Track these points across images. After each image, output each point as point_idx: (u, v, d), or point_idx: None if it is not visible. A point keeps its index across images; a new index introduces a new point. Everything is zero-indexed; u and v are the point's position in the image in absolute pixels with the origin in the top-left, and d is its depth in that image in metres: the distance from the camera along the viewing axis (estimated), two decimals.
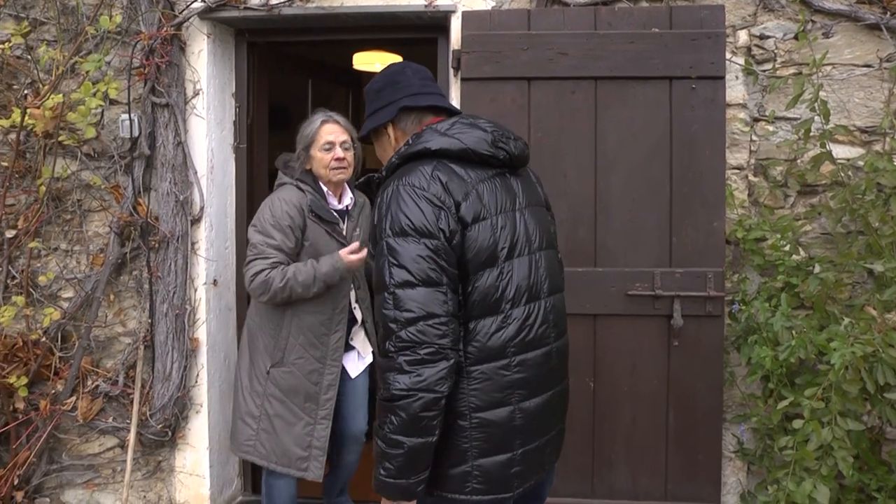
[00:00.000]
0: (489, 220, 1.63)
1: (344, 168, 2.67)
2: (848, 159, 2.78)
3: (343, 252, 2.55)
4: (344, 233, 2.72)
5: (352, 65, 4.80)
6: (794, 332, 2.52)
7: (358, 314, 2.82)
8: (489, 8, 2.87)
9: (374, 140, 1.84)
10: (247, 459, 2.83)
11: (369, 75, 5.03)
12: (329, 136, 2.65)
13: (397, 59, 4.91)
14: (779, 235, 2.71)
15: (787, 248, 2.72)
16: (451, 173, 1.62)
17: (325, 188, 2.70)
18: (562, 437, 1.85)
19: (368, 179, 1.76)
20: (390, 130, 1.79)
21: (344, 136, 2.68)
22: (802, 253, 2.80)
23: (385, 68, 1.85)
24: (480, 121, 1.72)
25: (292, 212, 2.58)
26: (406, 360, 1.50)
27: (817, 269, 2.67)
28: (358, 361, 2.84)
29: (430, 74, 1.85)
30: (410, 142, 1.68)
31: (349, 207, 2.77)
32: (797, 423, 2.37)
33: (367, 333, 2.87)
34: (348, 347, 2.77)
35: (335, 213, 2.69)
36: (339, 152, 2.65)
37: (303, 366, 2.62)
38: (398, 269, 1.53)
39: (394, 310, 1.52)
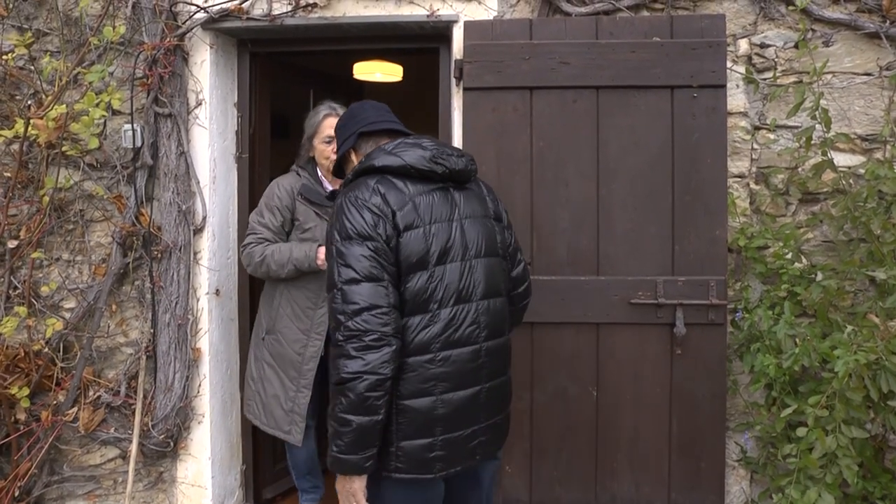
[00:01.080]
0: (422, 229, 1.86)
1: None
2: (849, 167, 2.79)
3: (321, 248, 2.70)
4: None
5: (353, 74, 4.82)
6: (797, 339, 2.52)
7: None
8: (491, 18, 2.88)
9: (346, 167, 2.11)
10: (248, 418, 3.00)
11: (371, 85, 5.08)
12: (330, 130, 2.82)
13: (398, 68, 4.94)
14: (781, 243, 2.71)
15: (789, 255, 2.72)
16: (391, 186, 1.86)
17: (321, 175, 2.93)
18: (499, 429, 2.02)
19: (333, 194, 2.09)
20: (352, 156, 2.06)
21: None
22: (804, 261, 2.80)
23: (349, 107, 2.16)
24: (424, 140, 1.95)
25: (281, 193, 2.84)
26: (353, 347, 1.71)
27: (819, 276, 2.67)
28: None
29: (387, 108, 2.12)
30: (363, 160, 1.95)
31: None
32: (801, 431, 2.36)
33: None
34: None
35: (325, 196, 2.76)
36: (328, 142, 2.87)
37: (288, 335, 2.82)
38: (345, 269, 1.77)
39: (342, 303, 1.74)
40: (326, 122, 2.88)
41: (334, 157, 2.60)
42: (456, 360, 1.87)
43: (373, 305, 1.74)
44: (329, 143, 2.85)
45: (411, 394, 1.83)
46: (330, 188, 2.90)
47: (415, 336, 1.83)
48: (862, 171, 2.74)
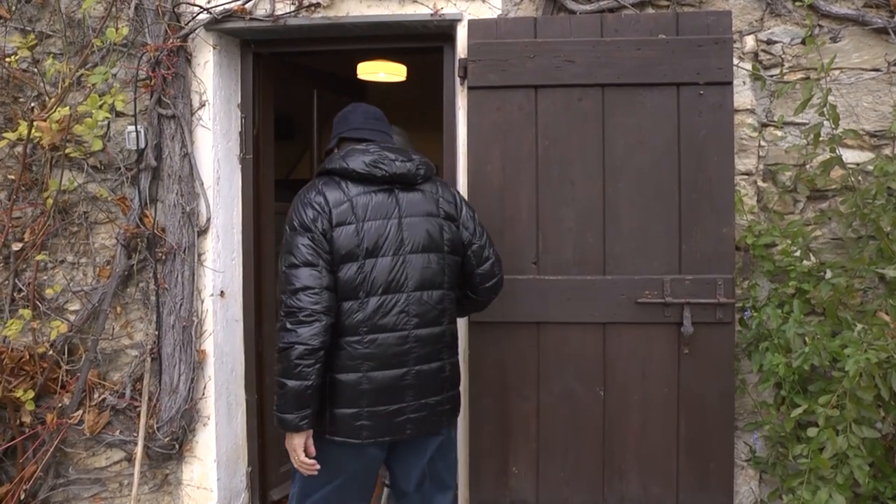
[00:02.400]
0: (354, 225, 2.12)
1: None
2: (857, 164, 2.77)
3: None
4: None
5: (356, 74, 4.81)
6: (806, 338, 2.50)
7: None
8: (495, 16, 2.86)
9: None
10: None
11: (374, 85, 5.07)
12: None
13: (402, 68, 4.93)
14: (789, 241, 2.69)
15: (797, 253, 2.70)
16: (334, 187, 2.15)
17: None
18: (435, 410, 2.23)
19: None
20: (334, 154, 2.30)
21: None
22: (813, 258, 2.78)
23: (345, 108, 2.41)
24: (372, 147, 2.22)
25: None
26: (290, 322, 2.02)
27: (829, 274, 2.65)
28: None
29: (378, 115, 2.38)
30: (324, 164, 2.25)
31: None
32: (811, 431, 2.35)
33: None
34: None
35: None
36: None
37: None
38: (289, 255, 2.08)
39: (284, 284, 2.07)
40: None
41: None
42: (382, 343, 2.13)
43: (306, 287, 2.03)
44: None
45: (341, 369, 2.13)
46: None
47: (346, 319, 2.12)
48: (871, 167, 2.71)
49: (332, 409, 2.14)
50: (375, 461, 2.25)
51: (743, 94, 2.80)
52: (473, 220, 2.33)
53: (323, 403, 2.13)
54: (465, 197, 2.80)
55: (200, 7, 2.94)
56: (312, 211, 2.11)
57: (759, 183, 2.84)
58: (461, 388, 2.84)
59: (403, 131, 2.99)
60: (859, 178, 2.74)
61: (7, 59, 2.97)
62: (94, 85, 2.84)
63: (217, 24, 2.96)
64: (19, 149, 3.00)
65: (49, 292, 3.04)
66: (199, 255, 3.03)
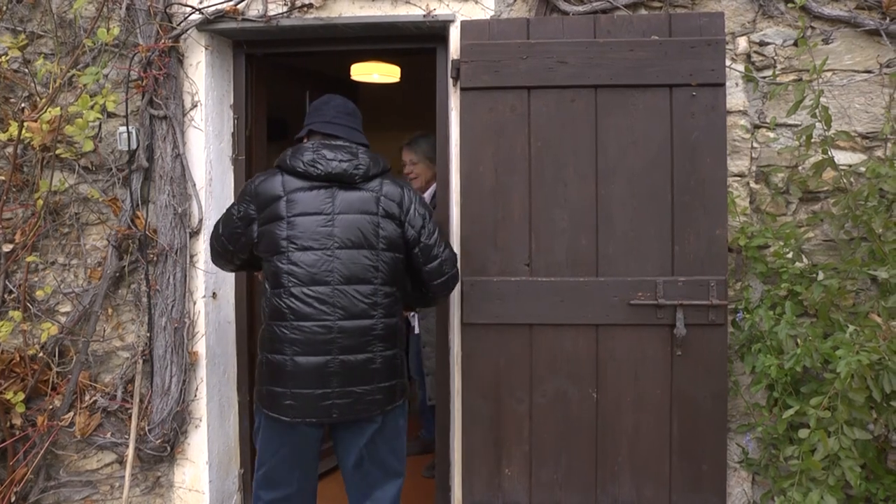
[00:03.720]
0: (284, 220, 2.31)
1: (413, 177, 3.83)
2: (850, 165, 2.77)
3: None
4: None
5: (350, 75, 4.80)
6: (798, 340, 2.50)
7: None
8: (488, 17, 2.86)
9: None
10: None
11: (367, 86, 5.06)
12: (404, 158, 3.89)
13: (395, 69, 4.92)
14: (781, 243, 2.69)
15: (789, 255, 2.70)
16: (272, 180, 2.37)
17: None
18: (364, 399, 2.35)
19: None
20: (304, 143, 2.48)
21: (406, 157, 3.87)
22: (805, 260, 2.78)
23: (323, 97, 2.56)
24: (315, 144, 2.39)
25: None
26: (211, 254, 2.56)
27: (821, 276, 2.65)
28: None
29: (350, 109, 2.53)
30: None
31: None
32: (803, 433, 2.34)
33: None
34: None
35: None
36: (407, 168, 3.86)
37: None
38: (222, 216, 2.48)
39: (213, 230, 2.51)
40: (402, 153, 3.88)
41: (412, 179, 3.79)
42: (307, 331, 2.29)
43: (213, 240, 2.51)
44: (404, 168, 3.85)
45: (270, 350, 2.34)
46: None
47: (276, 306, 2.32)
48: (863, 169, 2.72)
49: (266, 385, 2.36)
50: (310, 439, 2.40)
51: (735, 96, 2.80)
52: (423, 219, 2.43)
53: (261, 381, 2.38)
54: (458, 198, 2.80)
55: (192, 7, 2.92)
56: (244, 196, 2.41)
57: (752, 184, 2.84)
58: (455, 389, 2.85)
59: (432, 135, 3.33)
60: (851, 179, 2.74)
61: None
62: (85, 85, 2.82)
63: (209, 24, 2.95)
64: (10, 149, 2.98)
65: (40, 294, 3.02)
66: (192, 257, 3.02)
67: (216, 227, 2.49)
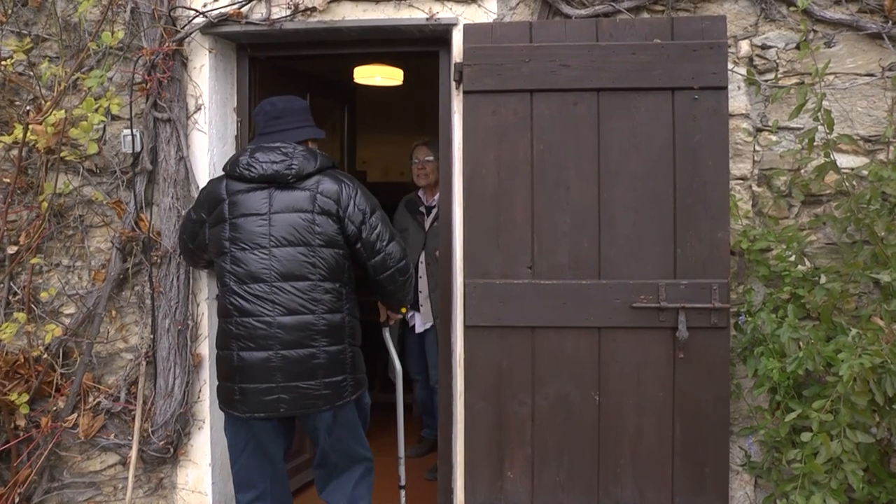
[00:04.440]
0: (227, 222, 2.45)
1: (424, 174, 3.89)
2: (852, 168, 2.77)
3: None
4: (425, 221, 3.90)
5: (353, 78, 4.81)
6: (801, 343, 2.50)
7: (423, 284, 3.85)
8: (491, 21, 2.87)
9: None
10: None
11: (367, 89, 5.08)
12: (419, 156, 3.90)
13: (398, 72, 4.94)
14: (784, 246, 2.69)
15: (792, 258, 2.71)
16: (218, 185, 2.53)
17: (422, 191, 3.95)
18: (308, 395, 2.42)
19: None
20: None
21: (423, 155, 3.88)
22: (808, 263, 2.78)
23: (261, 104, 2.67)
24: (251, 148, 2.52)
25: (399, 208, 4.05)
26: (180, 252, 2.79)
27: (823, 279, 2.65)
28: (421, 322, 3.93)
29: (278, 111, 2.60)
30: None
31: (434, 204, 3.83)
32: (805, 436, 2.34)
33: (431, 305, 3.83)
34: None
35: (420, 208, 3.93)
36: (420, 165, 3.89)
37: None
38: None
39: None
40: (417, 150, 3.91)
41: (423, 176, 3.88)
42: (249, 326, 2.40)
43: (178, 238, 2.74)
44: (415, 163, 3.89)
45: (220, 346, 2.49)
46: (427, 203, 3.91)
47: (221, 303, 2.48)
48: (865, 172, 2.72)
49: (219, 381, 2.50)
50: (266, 434, 2.50)
51: (738, 99, 2.81)
52: (363, 214, 2.48)
53: (217, 377, 2.53)
54: (461, 200, 2.81)
55: (196, 11, 2.94)
56: (197, 202, 2.61)
57: (754, 187, 2.85)
58: (458, 391, 2.86)
59: (433, 139, 3.51)
60: (854, 182, 2.74)
61: (3, 63, 2.97)
62: (89, 88, 2.83)
63: (213, 28, 2.96)
64: (15, 152, 3.00)
65: (44, 296, 3.04)
66: None
67: (181, 225, 2.70)
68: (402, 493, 3.13)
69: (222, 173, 2.57)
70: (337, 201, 2.46)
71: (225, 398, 2.48)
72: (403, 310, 2.92)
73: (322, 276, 2.44)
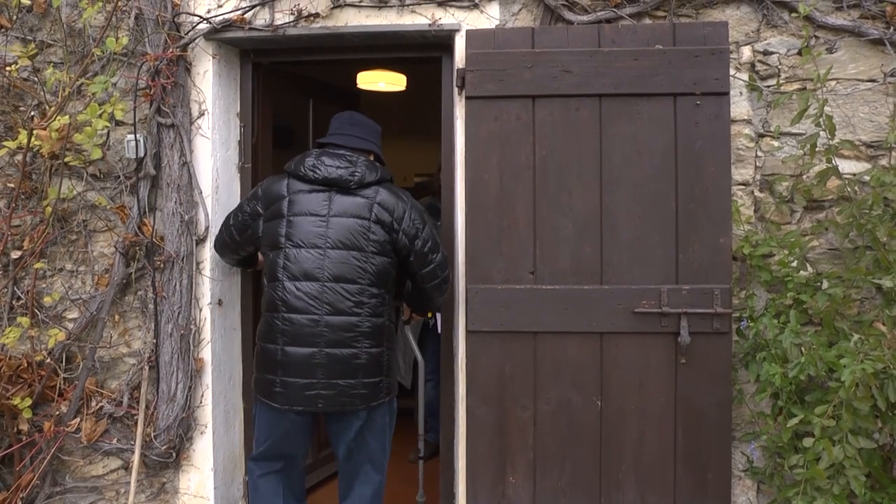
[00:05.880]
0: (284, 219, 2.55)
1: None
2: (854, 174, 2.77)
3: None
4: None
5: (356, 83, 4.83)
6: (803, 348, 2.50)
7: None
8: (493, 27, 2.88)
9: None
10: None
11: (369, 94, 5.09)
12: None
13: (401, 77, 4.95)
14: (786, 251, 2.69)
15: (794, 263, 2.71)
16: (279, 182, 2.64)
17: None
18: (347, 393, 2.52)
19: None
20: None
21: None
22: (810, 269, 2.78)
23: (345, 111, 2.84)
24: (317, 152, 2.64)
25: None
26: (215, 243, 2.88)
27: (825, 284, 2.65)
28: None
29: (355, 120, 2.77)
30: None
31: None
32: (808, 442, 2.34)
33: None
34: None
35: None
36: None
37: None
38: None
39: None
40: None
41: None
42: (296, 322, 2.49)
43: (221, 230, 2.79)
44: None
45: (264, 339, 2.56)
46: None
47: (269, 298, 2.56)
48: (867, 178, 2.72)
49: (260, 373, 2.58)
50: (298, 427, 2.61)
51: (740, 105, 2.81)
52: (417, 229, 2.61)
53: (256, 368, 2.61)
54: (463, 206, 2.82)
55: (200, 17, 2.96)
56: (253, 195, 2.69)
57: (756, 193, 2.85)
58: (460, 396, 2.86)
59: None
60: (856, 188, 2.75)
61: (8, 68, 2.98)
62: (93, 94, 2.84)
63: (217, 33, 2.98)
64: (19, 157, 3.01)
65: (47, 300, 3.05)
66: (198, 264, 3.04)
67: (227, 218, 2.75)
68: (421, 463, 3.38)
69: (283, 173, 2.67)
70: (392, 213, 2.58)
71: (264, 389, 2.56)
72: (430, 315, 3.09)
73: (370, 281, 2.55)
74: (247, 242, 2.71)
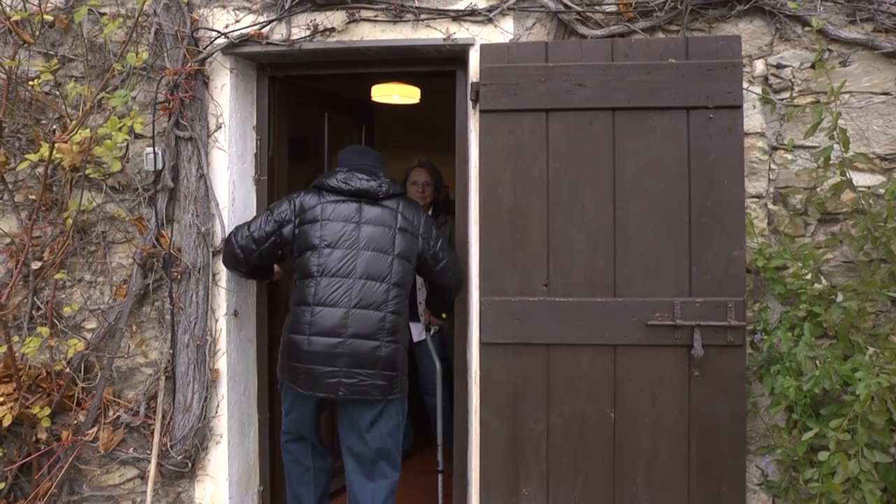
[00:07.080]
0: (318, 223, 2.81)
1: (422, 197, 3.92)
2: (868, 187, 2.77)
3: None
4: None
5: (370, 97, 4.87)
6: (817, 361, 2.49)
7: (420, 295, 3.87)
8: (507, 41, 2.90)
9: None
10: None
11: (385, 107, 5.13)
12: (416, 177, 3.93)
13: (415, 90, 4.98)
14: (800, 264, 2.69)
15: (808, 276, 2.70)
16: (314, 194, 2.89)
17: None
18: (366, 382, 2.72)
19: None
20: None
21: (421, 177, 3.93)
22: (824, 281, 2.78)
23: (347, 148, 3.15)
24: (347, 169, 2.92)
25: None
26: (224, 255, 2.97)
27: (840, 297, 2.64)
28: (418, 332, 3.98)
29: (363, 150, 3.19)
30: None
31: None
32: (823, 455, 2.33)
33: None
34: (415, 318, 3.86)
35: None
36: (419, 187, 3.92)
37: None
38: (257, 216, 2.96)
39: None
40: (415, 172, 3.97)
41: (421, 199, 3.87)
42: (326, 315, 2.71)
43: (239, 229, 2.89)
44: (415, 185, 3.91)
45: (292, 330, 2.77)
46: None
47: (303, 292, 2.77)
48: (881, 190, 2.72)
49: (286, 360, 2.79)
50: (316, 409, 2.93)
51: (753, 118, 2.82)
52: (431, 232, 2.93)
53: (282, 356, 2.82)
54: (477, 219, 2.84)
55: (218, 32, 3.00)
56: (287, 202, 2.89)
57: (770, 206, 2.85)
58: (473, 408, 2.87)
59: (430, 159, 3.99)
60: (870, 201, 2.74)
61: (30, 83, 3.04)
62: (114, 108, 2.90)
63: (234, 48, 3.02)
64: (40, 169, 3.06)
65: (67, 310, 3.09)
66: (214, 275, 3.07)
67: (241, 227, 2.88)
68: (440, 476, 3.52)
69: (313, 187, 2.93)
70: (413, 221, 2.90)
71: (291, 376, 2.77)
72: (444, 315, 3.33)
73: (394, 282, 2.80)
74: (263, 251, 2.86)
